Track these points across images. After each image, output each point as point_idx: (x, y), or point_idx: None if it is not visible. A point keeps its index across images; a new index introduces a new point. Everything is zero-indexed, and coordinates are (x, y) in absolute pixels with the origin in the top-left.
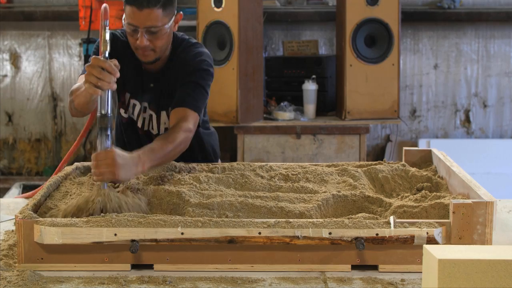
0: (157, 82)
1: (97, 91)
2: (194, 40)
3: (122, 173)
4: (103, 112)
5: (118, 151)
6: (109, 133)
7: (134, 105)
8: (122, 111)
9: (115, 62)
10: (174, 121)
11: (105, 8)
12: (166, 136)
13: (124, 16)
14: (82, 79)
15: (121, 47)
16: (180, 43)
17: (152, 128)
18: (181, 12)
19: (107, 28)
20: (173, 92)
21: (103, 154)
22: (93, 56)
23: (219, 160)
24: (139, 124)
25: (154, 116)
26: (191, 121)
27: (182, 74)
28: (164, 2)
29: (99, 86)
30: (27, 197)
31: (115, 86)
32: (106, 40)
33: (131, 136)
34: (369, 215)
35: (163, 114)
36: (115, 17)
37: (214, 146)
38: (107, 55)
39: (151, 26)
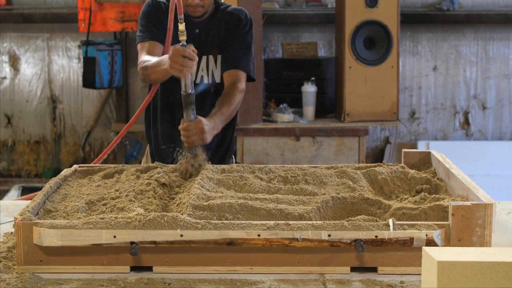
0: (201, 30)
1: (183, 75)
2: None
3: (208, 138)
4: (188, 91)
5: (204, 120)
6: (193, 107)
7: None
8: None
9: (192, 48)
10: (229, 82)
11: (178, 2)
12: (228, 98)
13: (171, 6)
14: (144, 48)
15: (166, 9)
16: (221, 3)
17: (194, 78)
18: None
19: (183, 20)
20: (216, 40)
21: (193, 124)
22: (174, 46)
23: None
24: None
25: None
26: (244, 81)
27: (233, 28)
28: None
29: (183, 71)
30: (27, 199)
31: (195, 68)
32: (183, 31)
33: (169, 82)
34: (368, 217)
35: (203, 58)
36: (114, 19)
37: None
38: (185, 43)
39: None
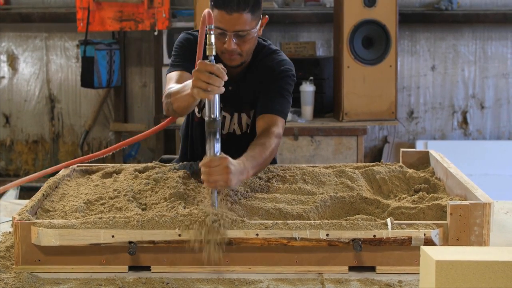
0: (236, 85)
1: (207, 96)
2: (275, 47)
3: (234, 181)
4: (212, 116)
5: (230, 158)
6: (218, 137)
7: None
8: (195, 109)
9: (221, 66)
10: (263, 127)
11: (208, 12)
12: (262, 142)
13: (202, 19)
14: (172, 79)
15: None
16: (261, 49)
17: (223, 129)
18: (266, 16)
19: (212, 32)
20: (251, 96)
21: (216, 160)
22: (200, 61)
23: None
24: None
25: (228, 117)
26: (280, 126)
27: (267, 80)
28: (253, 6)
29: (208, 91)
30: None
31: (223, 89)
32: (212, 44)
33: (199, 136)
34: (367, 216)
35: (235, 116)
36: (112, 19)
37: None
38: (213, 59)
39: (239, 30)
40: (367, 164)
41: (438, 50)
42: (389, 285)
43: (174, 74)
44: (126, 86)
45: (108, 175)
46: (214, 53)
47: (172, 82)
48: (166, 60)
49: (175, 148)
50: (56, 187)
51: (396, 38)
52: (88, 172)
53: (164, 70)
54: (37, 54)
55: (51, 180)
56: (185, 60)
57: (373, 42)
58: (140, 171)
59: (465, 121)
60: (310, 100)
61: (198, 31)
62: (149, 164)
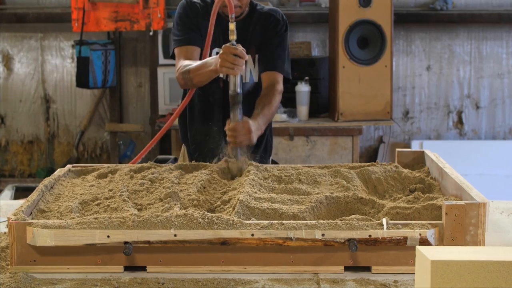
0: (239, 30)
1: (234, 73)
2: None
3: (254, 138)
4: (236, 90)
5: (250, 120)
6: (241, 107)
7: (217, 53)
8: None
9: (241, 47)
10: (267, 83)
11: (229, 1)
12: (268, 99)
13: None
14: (180, 54)
15: (202, 9)
16: (256, 4)
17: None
18: None
19: (233, 19)
20: (253, 39)
21: (240, 124)
22: (224, 45)
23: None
24: None
25: None
26: (281, 82)
27: (271, 29)
28: None
29: (234, 69)
30: None
31: (244, 67)
32: (234, 30)
33: (208, 83)
34: (362, 216)
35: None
36: (107, 19)
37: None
38: (235, 42)
39: None
40: (363, 164)
41: (433, 50)
42: (384, 285)
43: (181, 50)
44: (121, 86)
45: (103, 175)
46: (235, 37)
47: (182, 58)
48: (162, 60)
49: (171, 149)
50: (52, 187)
51: (391, 38)
52: (84, 173)
53: (160, 70)
54: (32, 54)
55: (46, 181)
56: (188, 29)
57: (369, 42)
58: (136, 172)
59: (460, 121)
60: (306, 100)
61: None
62: (145, 165)
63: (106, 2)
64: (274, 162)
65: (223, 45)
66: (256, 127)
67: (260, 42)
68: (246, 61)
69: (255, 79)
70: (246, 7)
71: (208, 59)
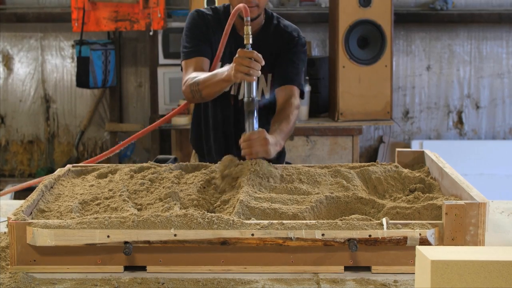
0: (252, 47)
1: (250, 79)
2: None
3: (272, 151)
4: (252, 96)
5: (266, 132)
6: (256, 115)
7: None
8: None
9: (256, 52)
10: (283, 98)
11: (244, 6)
12: (285, 115)
13: (234, 11)
14: (190, 66)
15: (213, 21)
16: (272, 15)
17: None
18: None
19: (249, 23)
20: (266, 55)
21: (256, 134)
22: (240, 49)
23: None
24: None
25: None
26: (298, 97)
27: (284, 48)
28: None
29: (250, 74)
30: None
31: (260, 73)
32: (249, 34)
33: (219, 98)
34: (362, 216)
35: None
36: (107, 19)
37: None
38: (250, 47)
39: None
40: (363, 164)
41: (433, 50)
42: (384, 285)
43: (189, 62)
44: (121, 86)
45: (103, 175)
46: (251, 41)
47: (191, 70)
48: (162, 60)
49: (171, 148)
50: (52, 187)
51: (391, 38)
52: (83, 173)
53: (160, 70)
54: (32, 54)
55: (46, 181)
56: (198, 41)
57: (369, 42)
58: (136, 171)
59: (460, 121)
60: (306, 100)
61: (206, 8)
62: (145, 164)
63: (106, 2)
64: (287, 162)
65: (238, 49)
66: (274, 141)
67: (274, 60)
68: (258, 79)
69: (268, 98)
70: (261, 11)
71: (218, 70)
